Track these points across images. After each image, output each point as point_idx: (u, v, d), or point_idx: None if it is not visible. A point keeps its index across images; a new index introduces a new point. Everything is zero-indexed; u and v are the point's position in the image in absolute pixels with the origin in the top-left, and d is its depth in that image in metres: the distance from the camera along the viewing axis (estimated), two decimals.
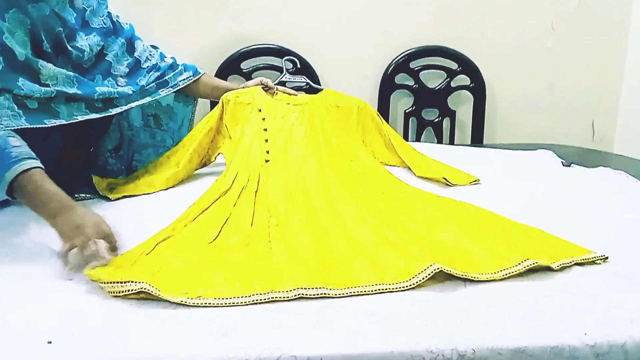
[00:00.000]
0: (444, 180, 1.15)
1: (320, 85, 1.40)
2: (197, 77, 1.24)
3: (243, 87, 1.29)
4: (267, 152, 1.17)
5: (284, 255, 0.76)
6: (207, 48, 1.73)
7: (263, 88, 1.28)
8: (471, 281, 0.69)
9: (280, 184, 1.07)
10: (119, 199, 1.05)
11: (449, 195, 1.02)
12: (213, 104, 1.54)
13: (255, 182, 1.06)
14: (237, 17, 1.75)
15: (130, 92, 1.09)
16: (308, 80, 1.40)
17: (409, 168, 1.25)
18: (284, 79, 1.35)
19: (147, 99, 1.13)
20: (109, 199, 1.05)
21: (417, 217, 0.90)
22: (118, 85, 1.08)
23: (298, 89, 1.42)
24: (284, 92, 1.29)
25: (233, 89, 1.27)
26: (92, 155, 1.15)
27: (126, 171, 1.20)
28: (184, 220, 0.90)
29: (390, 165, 1.28)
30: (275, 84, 1.30)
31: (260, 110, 1.23)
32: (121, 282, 0.67)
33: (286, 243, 0.81)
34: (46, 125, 0.91)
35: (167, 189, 1.13)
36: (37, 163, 0.79)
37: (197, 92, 1.28)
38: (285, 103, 1.26)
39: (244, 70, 1.74)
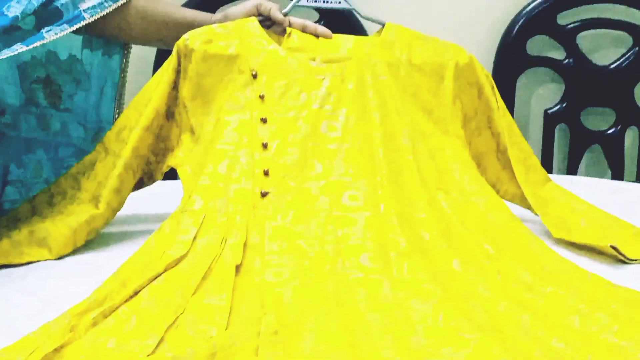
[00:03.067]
0: (613, 251, 1.12)
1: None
2: (122, 1, 1.22)
3: (221, 20, 1.26)
4: (266, 172, 1.13)
5: None
6: None
7: (262, 22, 1.25)
8: None
9: (290, 248, 1.05)
10: None
11: (630, 284, 1.01)
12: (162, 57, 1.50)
13: (240, 243, 1.04)
14: None
15: None
16: (352, 6, 1.32)
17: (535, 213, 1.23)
18: (303, 3, 1.30)
19: (20, 48, 1.10)
20: None
21: (569, 329, 0.89)
22: None
23: (332, 25, 1.32)
24: (303, 31, 1.25)
25: (200, 24, 1.24)
26: None
27: None
28: (94, 311, 0.89)
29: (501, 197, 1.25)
30: (285, 13, 1.26)
31: (255, 76, 1.20)
32: None
33: None
34: None
35: (74, 251, 1.13)
36: None
37: (127, 31, 1.26)
38: (307, 59, 1.22)
39: None
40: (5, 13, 1.10)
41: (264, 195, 1.11)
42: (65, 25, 1.15)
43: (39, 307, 0.94)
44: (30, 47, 1.11)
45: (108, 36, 1.26)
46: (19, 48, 1.10)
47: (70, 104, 1.25)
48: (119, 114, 1.29)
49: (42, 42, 1.13)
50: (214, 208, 1.10)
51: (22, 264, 1.08)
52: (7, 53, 1.09)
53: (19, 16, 1.11)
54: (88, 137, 1.27)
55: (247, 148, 1.15)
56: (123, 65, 1.30)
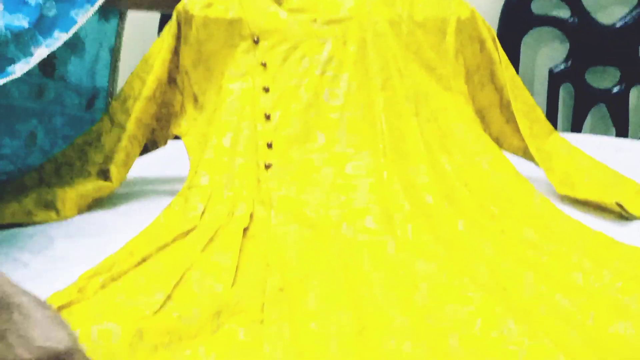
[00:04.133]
0: (618, 208, 1.12)
1: None
2: None
3: None
4: (269, 145, 1.13)
5: (286, 350, 0.75)
6: None
7: None
8: None
9: (295, 214, 1.05)
10: None
11: (635, 241, 1.01)
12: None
13: (246, 214, 1.05)
14: None
15: (26, 24, 1.06)
16: None
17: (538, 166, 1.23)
18: None
19: (61, 36, 1.08)
20: None
21: (573, 285, 0.89)
22: None
23: None
24: None
25: None
26: None
27: None
28: (102, 275, 0.90)
29: (505, 151, 1.25)
30: None
31: (256, 42, 1.19)
32: None
33: (295, 327, 0.79)
34: None
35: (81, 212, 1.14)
36: None
37: (140, 2, 1.27)
38: (309, 20, 1.21)
39: None
40: (28, 1, 1.08)
41: (267, 167, 1.12)
42: (88, 6, 1.14)
43: (47, 266, 0.95)
44: (70, 33, 1.10)
45: (120, 7, 1.25)
46: (61, 36, 1.09)
47: (65, 71, 1.24)
48: (114, 79, 1.28)
49: (77, 26, 1.11)
50: (220, 183, 1.11)
51: (29, 225, 1.09)
52: (55, 43, 1.08)
53: (41, 4, 1.09)
54: (82, 103, 1.26)
55: (250, 119, 1.15)
56: (119, 29, 1.29)
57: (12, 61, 1.03)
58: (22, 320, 0.55)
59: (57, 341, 0.55)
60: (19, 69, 1.02)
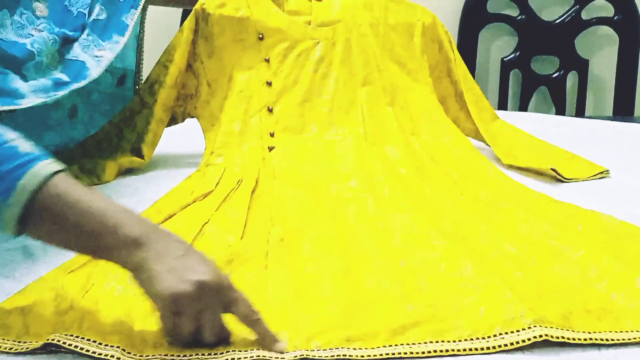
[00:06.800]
0: (553, 173, 1.13)
1: None
2: None
3: None
4: (271, 134, 1.14)
5: (286, 290, 0.75)
6: None
7: None
8: (610, 345, 0.66)
9: (294, 180, 1.05)
10: None
11: (568, 199, 1.01)
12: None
13: (252, 179, 1.05)
14: None
15: (70, 34, 1.07)
16: None
17: (488, 145, 1.23)
18: None
19: (121, 40, 1.09)
20: None
21: (519, 235, 0.88)
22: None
23: None
24: None
25: None
26: None
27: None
28: None
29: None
30: None
31: (261, 39, 1.19)
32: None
33: (294, 270, 0.79)
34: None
35: (116, 176, 1.14)
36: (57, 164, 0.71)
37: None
38: (304, 22, 1.21)
39: None
40: (82, 11, 1.08)
41: (271, 149, 1.13)
42: (133, 10, 1.13)
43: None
44: (126, 36, 1.10)
45: (154, 4, 1.25)
46: (120, 39, 1.09)
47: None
48: (140, 62, 1.27)
49: (130, 28, 1.11)
50: (232, 162, 1.11)
51: None
52: (117, 47, 1.08)
53: (85, 12, 1.09)
54: (114, 82, 1.23)
55: (255, 110, 1.16)
56: (142, 20, 1.27)
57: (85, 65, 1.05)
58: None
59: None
60: (95, 72, 1.05)
